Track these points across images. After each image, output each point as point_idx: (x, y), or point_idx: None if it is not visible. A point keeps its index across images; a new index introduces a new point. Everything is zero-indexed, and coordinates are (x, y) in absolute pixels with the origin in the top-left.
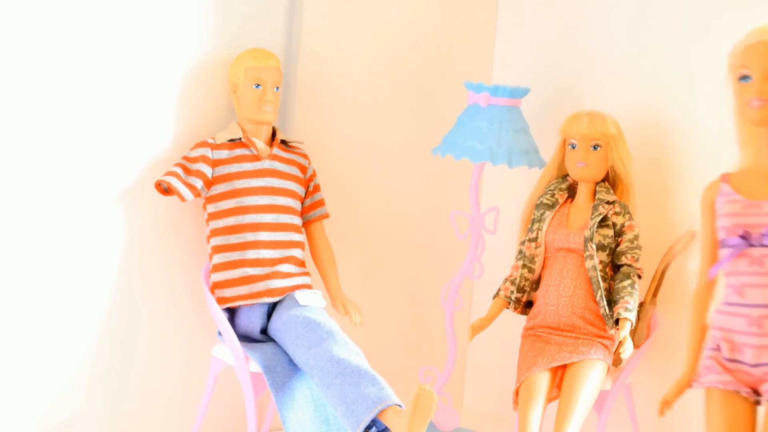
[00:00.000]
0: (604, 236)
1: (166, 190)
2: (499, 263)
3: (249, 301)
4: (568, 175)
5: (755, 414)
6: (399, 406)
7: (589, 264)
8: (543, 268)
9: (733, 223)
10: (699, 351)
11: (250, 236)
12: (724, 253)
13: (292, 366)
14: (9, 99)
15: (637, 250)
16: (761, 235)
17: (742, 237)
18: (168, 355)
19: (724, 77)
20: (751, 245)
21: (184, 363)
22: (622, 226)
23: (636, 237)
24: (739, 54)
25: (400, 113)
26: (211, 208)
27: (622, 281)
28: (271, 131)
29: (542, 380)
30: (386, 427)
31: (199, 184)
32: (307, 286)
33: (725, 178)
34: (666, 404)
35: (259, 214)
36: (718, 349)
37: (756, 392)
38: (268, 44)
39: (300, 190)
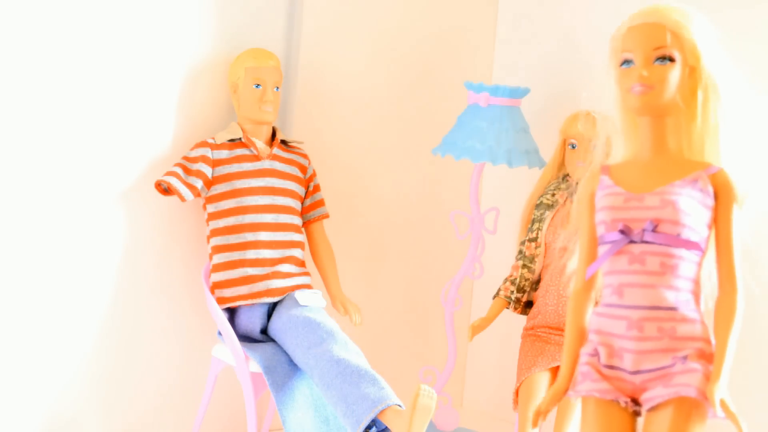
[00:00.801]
0: None
1: (166, 190)
2: (499, 263)
3: (249, 301)
4: (568, 175)
5: (634, 425)
6: (399, 406)
7: None
8: (543, 268)
9: (613, 217)
10: (576, 356)
11: (250, 236)
12: (603, 250)
13: (292, 366)
14: (10, 100)
15: None
16: (642, 230)
17: (622, 232)
18: (168, 355)
19: (607, 63)
20: (632, 241)
21: (184, 363)
22: None
23: None
24: (621, 37)
25: (400, 113)
26: (211, 208)
27: None
28: (271, 131)
29: (542, 380)
30: (386, 427)
31: (199, 184)
32: (307, 286)
33: (605, 169)
34: (539, 414)
35: (259, 214)
36: (595, 354)
37: (635, 402)
38: (268, 44)
39: (300, 190)
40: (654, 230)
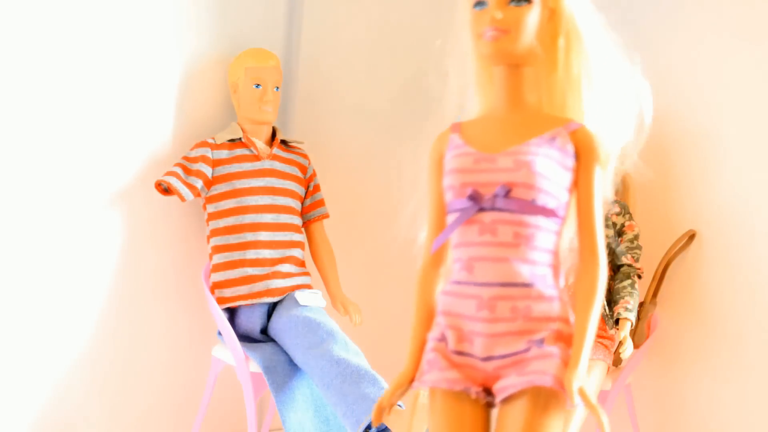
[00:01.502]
0: (604, 236)
1: (166, 190)
2: None
3: (249, 301)
4: None
5: (487, 418)
6: (399, 406)
7: None
8: None
9: (462, 181)
10: (423, 342)
11: (250, 236)
12: (451, 218)
13: (292, 366)
14: (10, 100)
15: (637, 250)
16: (494, 195)
17: (471, 198)
18: (168, 355)
19: (461, 7)
20: (482, 209)
21: (184, 363)
22: (622, 226)
23: (636, 237)
24: None
25: (400, 113)
26: (211, 208)
27: (622, 281)
28: (271, 131)
29: None
30: (386, 427)
31: (199, 184)
32: (307, 286)
33: (456, 127)
34: (381, 410)
35: (259, 214)
36: (443, 339)
37: (488, 392)
38: (268, 44)
39: (300, 190)
40: (507, 195)
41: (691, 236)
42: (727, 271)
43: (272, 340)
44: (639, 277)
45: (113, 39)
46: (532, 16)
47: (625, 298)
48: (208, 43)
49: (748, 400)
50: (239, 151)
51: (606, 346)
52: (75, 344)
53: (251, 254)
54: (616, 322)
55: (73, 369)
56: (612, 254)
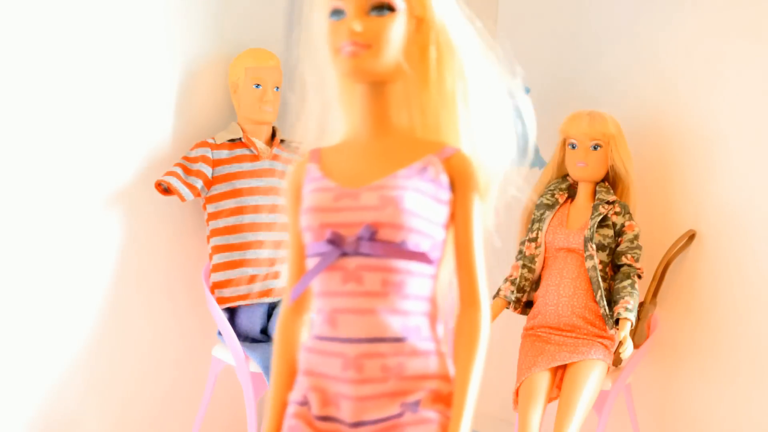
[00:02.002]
0: (604, 236)
1: (166, 190)
2: (499, 263)
3: (249, 301)
4: (568, 175)
5: None
6: None
7: (589, 264)
8: (543, 268)
9: (321, 221)
10: (283, 404)
11: (250, 236)
12: (312, 264)
13: None
14: (10, 101)
15: (637, 250)
16: (357, 238)
17: (331, 242)
18: (168, 355)
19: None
20: (345, 254)
21: (184, 363)
22: (622, 226)
23: (636, 237)
24: None
25: None
26: (211, 208)
27: (622, 281)
28: (271, 131)
29: (542, 380)
30: None
31: (199, 184)
32: None
33: (314, 155)
34: None
35: (259, 214)
36: (305, 403)
37: None
38: (268, 44)
39: None
40: (372, 238)
41: (691, 236)
42: (727, 271)
43: (272, 340)
44: (639, 277)
45: (113, 39)
46: (397, 27)
47: (625, 298)
48: (208, 43)
49: (748, 399)
50: (239, 151)
51: (606, 346)
52: (74, 344)
53: (251, 254)
54: (616, 322)
55: (73, 369)
56: (612, 254)
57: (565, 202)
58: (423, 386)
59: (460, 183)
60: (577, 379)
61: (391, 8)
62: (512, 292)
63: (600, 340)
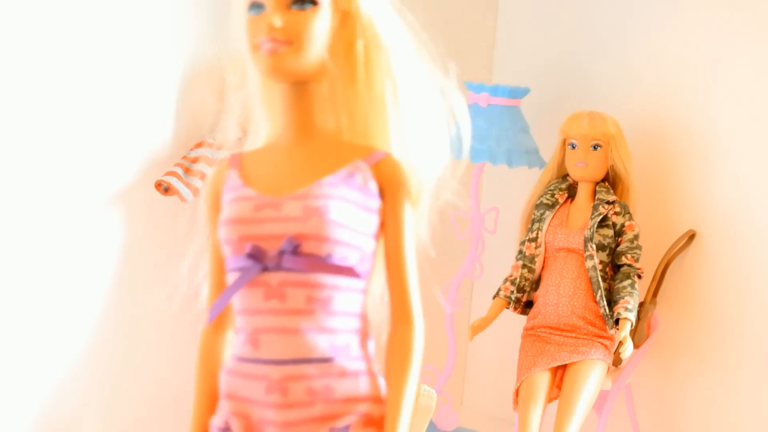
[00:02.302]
0: (604, 236)
1: (166, 190)
2: (499, 263)
3: None
4: (568, 175)
5: None
6: None
7: (589, 264)
8: (543, 268)
9: (240, 234)
10: (206, 430)
11: None
12: (232, 278)
13: None
14: (9, 101)
15: (637, 250)
16: (279, 252)
17: (252, 256)
18: (168, 355)
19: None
20: (266, 268)
21: (185, 363)
22: (622, 226)
23: (636, 237)
24: None
25: None
26: None
27: (622, 281)
28: None
29: (542, 380)
30: None
31: (199, 184)
32: None
33: (234, 161)
34: None
35: None
36: (227, 429)
37: None
38: None
39: None
40: (295, 252)
41: (691, 236)
42: (727, 271)
43: None
44: (639, 277)
45: (113, 39)
46: (320, 22)
47: (625, 298)
48: (209, 43)
49: (748, 399)
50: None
51: (606, 346)
52: (75, 343)
53: None
54: (616, 322)
55: (73, 369)
56: (612, 254)
57: (565, 202)
58: (353, 409)
59: (389, 190)
60: (577, 379)
61: (313, 1)
62: (512, 292)
63: (600, 340)
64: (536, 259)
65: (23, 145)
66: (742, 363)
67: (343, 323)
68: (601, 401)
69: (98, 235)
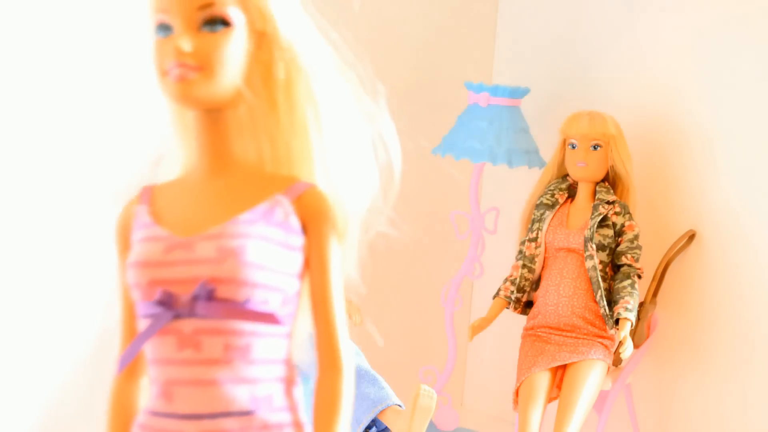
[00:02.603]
0: (604, 236)
1: None
2: (499, 263)
3: None
4: (568, 175)
5: None
6: (399, 406)
7: (589, 264)
8: (543, 268)
9: (150, 278)
10: None
11: None
12: (143, 326)
13: None
14: (9, 100)
15: (637, 250)
16: (193, 297)
17: (162, 302)
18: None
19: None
20: (178, 315)
21: None
22: (622, 226)
23: (636, 237)
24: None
25: (400, 113)
26: None
27: (622, 281)
28: None
29: (542, 380)
30: (386, 427)
31: None
32: None
33: (145, 195)
34: None
35: None
36: None
37: None
38: None
39: None
40: (210, 297)
41: (691, 236)
42: (727, 271)
43: None
44: (639, 277)
45: (113, 39)
46: (234, 45)
47: (625, 298)
48: None
49: (748, 399)
50: None
51: (606, 346)
52: (75, 344)
53: None
54: (616, 322)
55: (73, 369)
56: (612, 254)
57: (565, 202)
58: None
59: (313, 224)
60: (577, 379)
61: (225, 22)
62: (512, 292)
63: (600, 340)
64: (536, 259)
65: (23, 145)
66: (743, 363)
67: (265, 372)
68: (601, 401)
69: (98, 235)
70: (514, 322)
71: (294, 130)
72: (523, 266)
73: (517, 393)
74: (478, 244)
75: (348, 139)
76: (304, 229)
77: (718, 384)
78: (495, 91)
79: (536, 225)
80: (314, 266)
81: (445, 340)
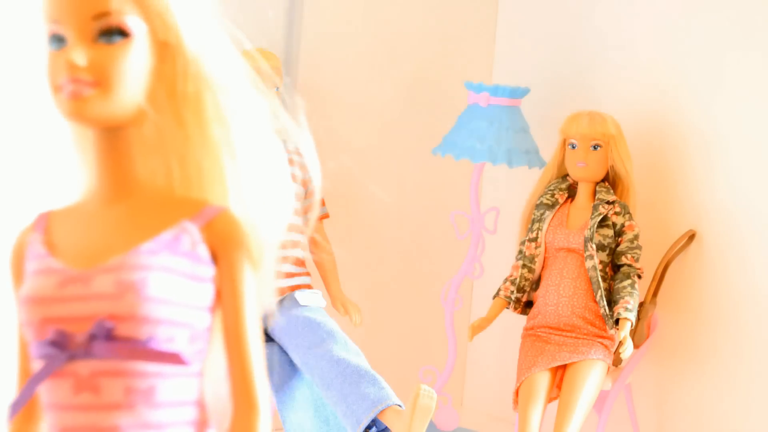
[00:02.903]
0: (604, 236)
1: None
2: (499, 263)
3: None
4: (568, 175)
5: None
6: (399, 406)
7: (589, 264)
8: (543, 268)
9: (42, 315)
10: None
11: None
12: (37, 367)
13: (292, 366)
14: (9, 101)
15: (637, 250)
16: (89, 337)
17: (56, 343)
18: None
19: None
20: (74, 356)
21: None
22: (622, 226)
23: (636, 237)
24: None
25: (400, 113)
26: None
27: (622, 281)
28: None
29: (542, 380)
30: (386, 427)
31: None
32: (307, 286)
33: (40, 222)
34: None
35: None
36: None
37: None
38: (268, 44)
39: (300, 190)
40: (109, 336)
41: (691, 236)
42: (727, 271)
43: (272, 340)
44: (639, 277)
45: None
46: (134, 58)
47: (625, 298)
48: None
49: (749, 399)
50: None
51: (606, 346)
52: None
53: None
54: (616, 322)
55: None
56: (612, 254)
57: (565, 202)
58: None
59: (224, 252)
60: (577, 379)
61: (124, 33)
62: (512, 292)
63: (600, 340)
64: (536, 259)
65: (23, 146)
66: (743, 363)
67: (173, 416)
68: (601, 401)
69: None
70: (514, 322)
71: (205, 149)
72: (523, 266)
73: (517, 393)
74: (478, 244)
75: (263, 158)
76: (215, 257)
77: (718, 384)
78: (495, 91)
79: (536, 225)
80: (226, 298)
81: (445, 340)
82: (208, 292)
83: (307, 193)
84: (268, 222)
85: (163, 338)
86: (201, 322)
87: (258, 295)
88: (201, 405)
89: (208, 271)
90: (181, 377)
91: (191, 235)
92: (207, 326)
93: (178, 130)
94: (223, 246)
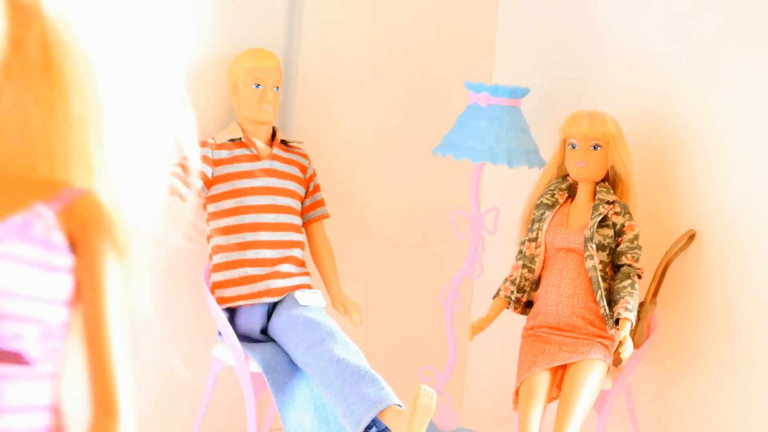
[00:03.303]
0: (604, 236)
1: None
2: (499, 263)
3: (249, 301)
4: (568, 175)
5: None
6: (399, 406)
7: (589, 264)
8: (543, 268)
9: None
10: None
11: (250, 236)
12: None
13: (292, 366)
14: None
15: (637, 250)
16: None
17: None
18: (174, 350)
19: None
20: None
21: (184, 363)
22: (622, 226)
23: (636, 237)
24: None
25: (400, 113)
26: (212, 208)
27: (622, 281)
28: (271, 131)
29: (542, 380)
30: (386, 427)
31: (199, 184)
32: (307, 286)
33: None
34: None
35: (259, 214)
36: None
37: None
38: (268, 44)
39: (300, 190)
40: None
41: (691, 236)
42: (727, 271)
43: (272, 340)
44: (639, 277)
45: (112, 39)
46: None
47: (625, 298)
48: (208, 44)
49: (749, 399)
50: (239, 151)
51: (606, 346)
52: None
53: (251, 254)
54: (616, 322)
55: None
56: (612, 254)
57: (565, 202)
58: None
59: (85, 239)
60: (577, 379)
61: None
62: (512, 292)
63: (600, 340)
64: (536, 259)
65: None
66: (743, 362)
67: (20, 422)
68: (601, 401)
69: None
70: (514, 322)
71: (69, 125)
72: (523, 266)
73: (517, 393)
74: (478, 244)
75: (136, 138)
76: (73, 245)
77: (718, 384)
78: (495, 91)
79: (536, 225)
80: (86, 290)
81: (445, 340)
82: (63, 284)
83: (307, 193)
84: (137, 205)
85: (7, 335)
86: (55, 317)
87: (126, 289)
88: (56, 410)
89: (64, 260)
90: (30, 379)
91: (44, 219)
92: (63, 322)
93: (39, 105)
94: (83, 232)
